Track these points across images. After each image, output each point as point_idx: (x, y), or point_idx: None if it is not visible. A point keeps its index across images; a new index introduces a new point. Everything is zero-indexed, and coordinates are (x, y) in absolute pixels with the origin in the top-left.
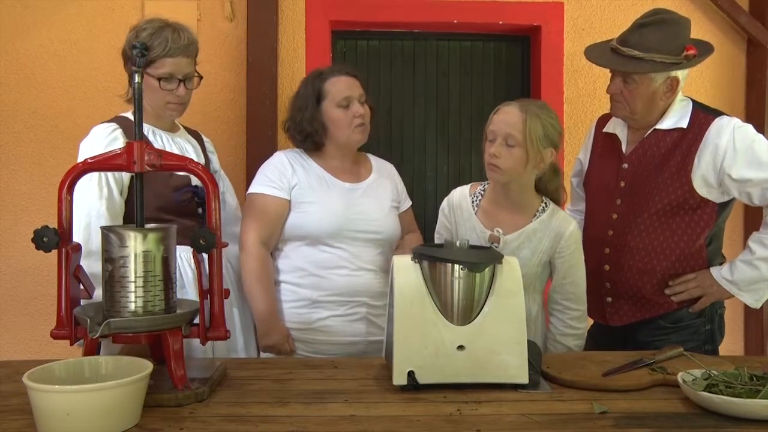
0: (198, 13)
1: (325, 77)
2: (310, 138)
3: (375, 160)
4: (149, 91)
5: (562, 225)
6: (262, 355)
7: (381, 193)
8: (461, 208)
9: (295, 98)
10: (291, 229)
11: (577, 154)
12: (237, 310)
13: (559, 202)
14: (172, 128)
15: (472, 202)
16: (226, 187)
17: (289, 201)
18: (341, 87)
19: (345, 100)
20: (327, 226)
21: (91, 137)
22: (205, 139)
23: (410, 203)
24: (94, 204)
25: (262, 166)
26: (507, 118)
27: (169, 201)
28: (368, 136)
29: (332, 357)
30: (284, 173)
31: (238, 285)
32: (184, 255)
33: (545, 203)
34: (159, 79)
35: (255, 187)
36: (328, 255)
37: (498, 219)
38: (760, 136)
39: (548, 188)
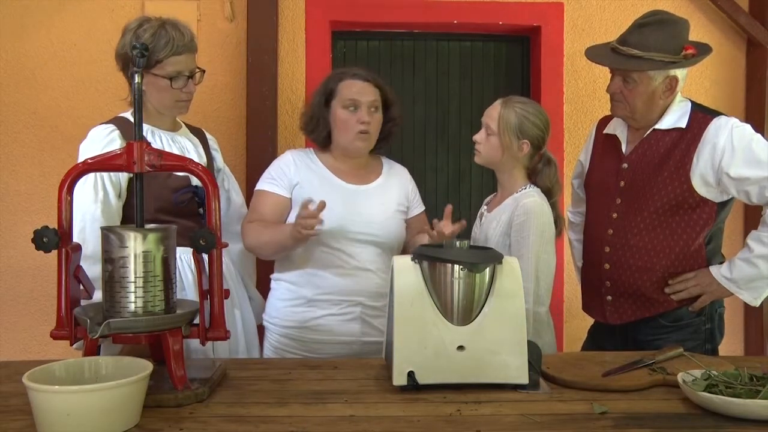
0: (198, 14)
1: (341, 77)
2: (317, 133)
3: (387, 164)
4: (156, 91)
5: (522, 196)
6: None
7: (386, 196)
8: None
9: (313, 93)
10: None
11: (577, 154)
12: (239, 311)
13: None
14: (173, 127)
15: (491, 198)
16: (231, 184)
17: (290, 199)
18: (351, 90)
19: (351, 102)
20: (323, 225)
21: (89, 139)
22: (208, 136)
23: (423, 209)
24: (89, 208)
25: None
26: (490, 111)
27: (167, 202)
28: (373, 144)
29: (328, 357)
30: (286, 172)
31: (241, 286)
32: (184, 257)
33: (527, 186)
34: (170, 79)
35: (259, 184)
36: (326, 254)
37: (492, 203)
38: (758, 135)
39: (544, 183)
